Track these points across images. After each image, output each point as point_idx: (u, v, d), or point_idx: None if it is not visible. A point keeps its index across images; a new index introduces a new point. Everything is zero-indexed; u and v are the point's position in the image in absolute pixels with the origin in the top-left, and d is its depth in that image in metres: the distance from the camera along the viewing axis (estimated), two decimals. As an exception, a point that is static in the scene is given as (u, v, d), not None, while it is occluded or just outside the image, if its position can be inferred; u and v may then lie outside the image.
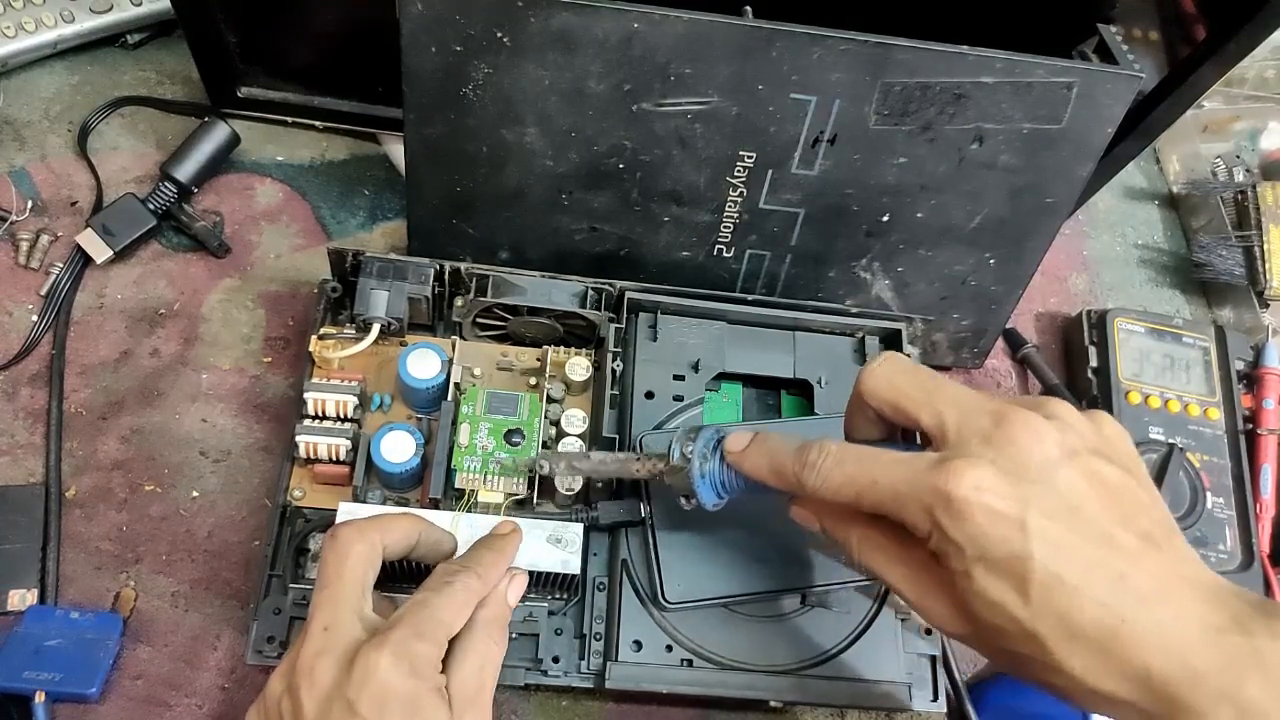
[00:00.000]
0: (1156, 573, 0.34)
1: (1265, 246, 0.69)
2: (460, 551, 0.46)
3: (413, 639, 0.38)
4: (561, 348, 0.56)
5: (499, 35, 0.48)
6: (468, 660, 0.40)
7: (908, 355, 0.56)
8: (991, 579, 0.34)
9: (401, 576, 0.46)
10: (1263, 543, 0.62)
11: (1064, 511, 0.34)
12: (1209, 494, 0.62)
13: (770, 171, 0.53)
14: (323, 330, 0.54)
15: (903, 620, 0.51)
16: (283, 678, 0.39)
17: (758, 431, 0.43)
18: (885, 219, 0.56)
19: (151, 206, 0.61)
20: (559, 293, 0.55)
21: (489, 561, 0.44)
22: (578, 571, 0.47)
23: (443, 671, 0.39)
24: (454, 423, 0.51)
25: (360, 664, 0.37)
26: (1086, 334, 0.67)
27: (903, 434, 0.42)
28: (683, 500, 0.45)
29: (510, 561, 0.45)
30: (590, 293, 0.55)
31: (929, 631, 0.52)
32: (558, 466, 0.48)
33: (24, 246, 0.60)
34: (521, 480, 0.50)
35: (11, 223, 0.61)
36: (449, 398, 0.52)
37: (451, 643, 0.40)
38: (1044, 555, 0.33)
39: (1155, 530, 0.35)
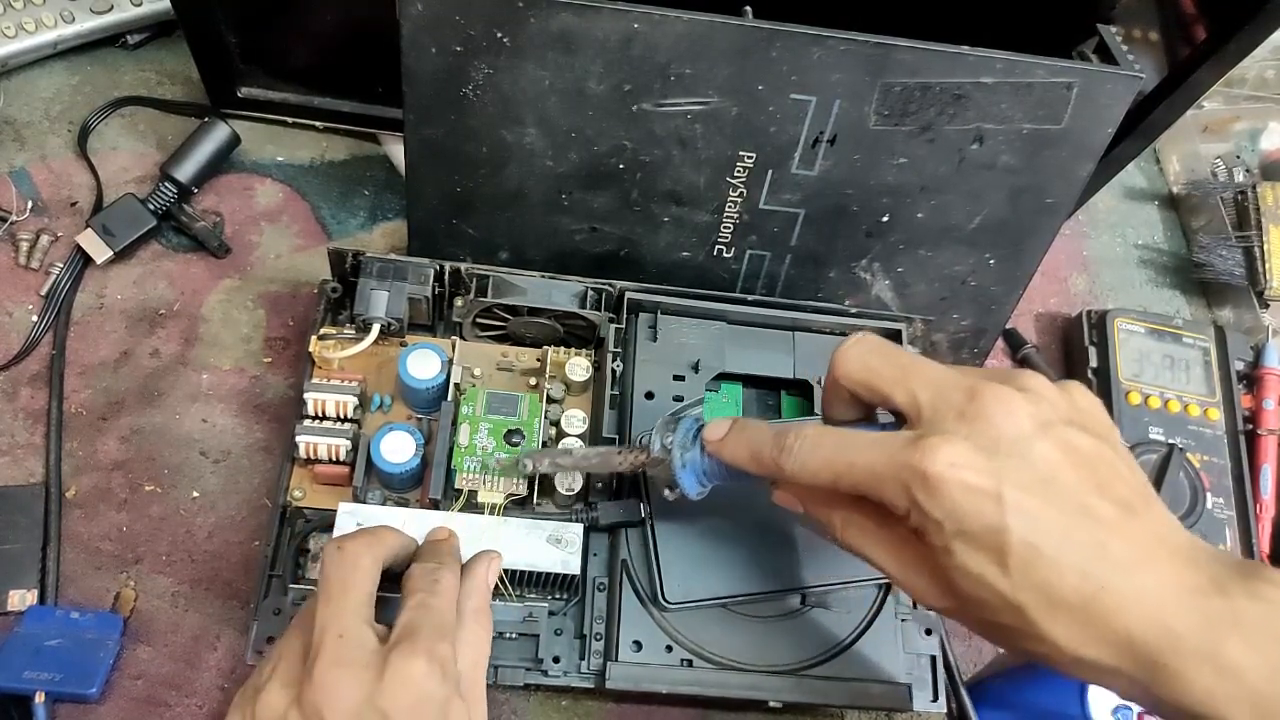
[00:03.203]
0: (1135, 539, 0.34)
1: (1265, 246, 0.69)
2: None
3: (438, 642, 0.38)
4: (561, 348, 0.56)
5: (499, 35, 0.48)
6: (465, 653, 0.40)
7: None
8: (971, 553, 0.34)
9: None
10: (1263, 543, 0.62)
11: (1039, 483, 0.34)
12: (1209, 494, 0.62)
13: (770, 172, 0.53)
14: (323, 330, 0.54)
15: (903, 620, 0.51)
16: (286, 690, 0.37)
17: (736, 419, 0.43)
18: (885, 219, 0.56)
19: (151, 207, 0.61)
20: (559, 293, 0.55)
21: (451, 560, 0.44)
22: (578, 571, 0.47)
23: None
24: (454, 423, 0.51)
25: (393, 672, 0.37)
26: (1086, 334, 0.67)
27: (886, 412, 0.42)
28: (666, 491, 0.45)
29: (459, 559, 0.46)
30: (590, 293, 0.55)
31: (929, 632, 0.52)
32: (541, 464, 0.48)
33: (24, 247, 0.60)
34: (521, 480, 0.50)
35: (11, 223, 0.61)
36: (449, 398, 0.52)
37: None
38: (1021, 527, 0.34)
39: (1133, 497, 0.35)
